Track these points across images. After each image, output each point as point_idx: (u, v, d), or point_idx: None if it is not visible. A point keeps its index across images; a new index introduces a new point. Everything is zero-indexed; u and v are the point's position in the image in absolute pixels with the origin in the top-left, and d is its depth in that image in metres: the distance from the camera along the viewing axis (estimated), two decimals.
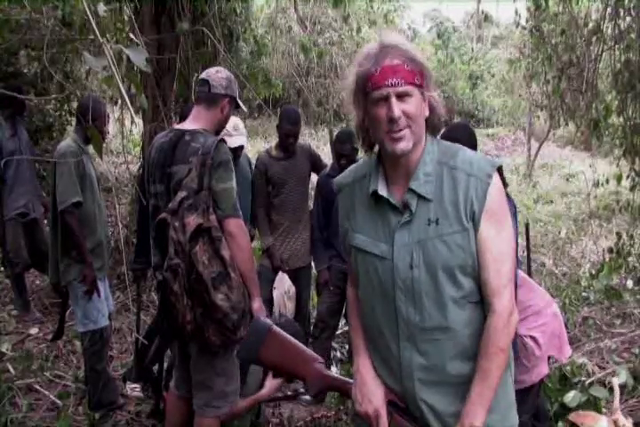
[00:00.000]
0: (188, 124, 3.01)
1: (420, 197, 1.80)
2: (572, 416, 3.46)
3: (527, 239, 4.50)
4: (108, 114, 4.05)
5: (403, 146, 1.76)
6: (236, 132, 4.21)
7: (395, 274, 1.81)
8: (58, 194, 3.71)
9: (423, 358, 1.83)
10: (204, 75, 3.07)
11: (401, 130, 1.74)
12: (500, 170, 1.83)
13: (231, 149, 4.00)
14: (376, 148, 1.92)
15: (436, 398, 1.85)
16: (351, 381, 2.07)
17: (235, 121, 4.25)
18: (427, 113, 1.81)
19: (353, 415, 2.13)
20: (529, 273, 4.05)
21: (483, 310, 1.83)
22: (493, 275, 1.78)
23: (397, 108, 1.72)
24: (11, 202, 5.39)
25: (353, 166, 2.06)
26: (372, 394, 1.94)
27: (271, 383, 3.46)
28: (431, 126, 1.85)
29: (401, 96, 1.73)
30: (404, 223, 1.81)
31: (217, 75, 3.04)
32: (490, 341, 1.78)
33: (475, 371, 1.79)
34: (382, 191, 1.85)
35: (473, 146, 3.04)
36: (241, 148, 4.29)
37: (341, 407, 4.15)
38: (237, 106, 3.16)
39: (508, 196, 2.89)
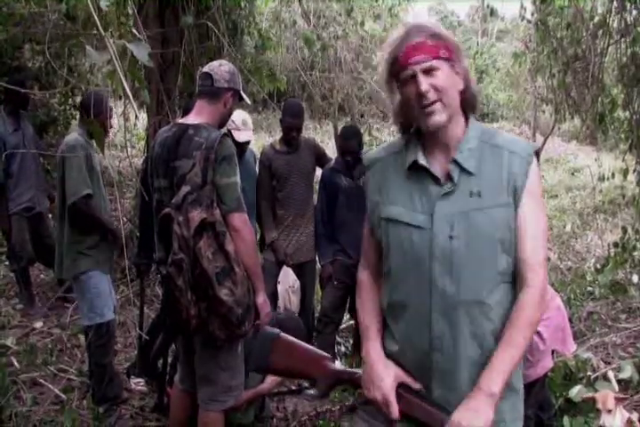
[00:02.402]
0: (191, 119, 3.00)
1: (462, 169, 1.81)
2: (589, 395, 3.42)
3: None
4: (111, 108, 4.04)
5: (436, 119, 1.77)
6: (245, 127, 4.22)
7: (433, 244, 1.80)
8: (68, 186, 3.70)
9: (455, 331, 1.81)
10: (206, 68, 3.06)
11: (432, 103, 1.76)
12: (536, 153, 1.86)
13: (238, 143, 4.02)
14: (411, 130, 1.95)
15: (462, 374, 1.83)
16: (358, 371, 2.06)
17: (244, 116, 4.26)
18: (460, 86, 1.82)
19: (360, 404, 2.11)
20: None
21: (514, 291, 1.84)
22: (531, 251, 1.80)
23: (425, 82, 1.74)
24: (16, 196, 5.39)
25: (385, 144, 2.09)
26: (380, 380, 1.91)
27: (273, 378, 3.46)
28: (466, 100, 1.86)
29: (427, 71, 1.75)
30: (446, 194, 1.81)
31: (220, 68, 3.02)
32: (523, 313, 1.78)
33: (500, 341, 1.78)
34: (422, 161, 1.86)
35: None
36: (247, 143, 4.30)
37: (346, 403, 4.15)
38: (241, 99, 3.15)
39: None
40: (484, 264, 1.79)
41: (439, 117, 1.77)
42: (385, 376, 1.91)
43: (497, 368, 1.76)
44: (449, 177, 1.82)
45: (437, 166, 1.85)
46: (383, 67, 1.84)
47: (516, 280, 1.84)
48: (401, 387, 1.90)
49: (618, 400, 3.17)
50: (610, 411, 3.11)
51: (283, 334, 2.33)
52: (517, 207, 1.79)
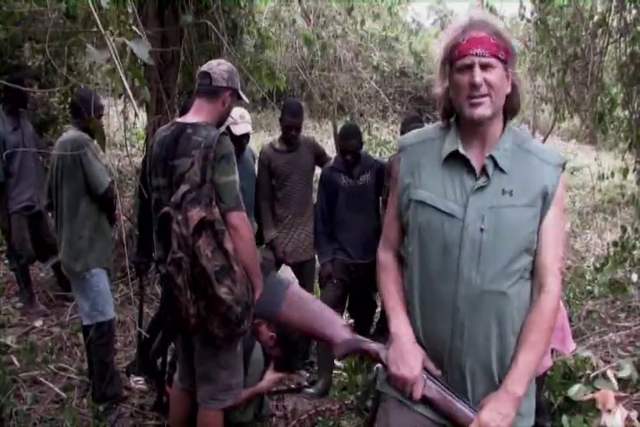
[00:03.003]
0: (189, 118, 3.00)
1: (496, 166, 1.87)
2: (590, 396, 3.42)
3: None
4: (102, 106, 4.03)
5: (481, 111, 1.82)
6: (242, 120, 4.20)
7: (464, 234, 1.85)
8: (94, 179, 3.73)
9: (477, 320, 1.86)
10: (205, 67, 3.05)
11: (482, 96, 1.81)
12: (563, 165, 1.93)
13: (237, 136, 4.00)
14: (452, 118, 1.99)
15: (480, 363, 1.88)
16: (381, 345, 2.06)
17: (241, 110, 4.24)
18: (508, 89, 1.87)
19: (384, 385, 2.04)
20: None
21: (529, 288, 1.91)
22: (552, 257, 1.89)
23: (480, 75, 1.79)
24: (16, 195, 5.40)
25: (419, 130, 2.14)
26: (412, 358, 1.93)
27: (271, 376, 3.46)
28: (510, 105, 1.92)
29: (484, 66, 1.80)
30: (480, 188, 1.87)
31: (218, 67, 3.02)
32: (542, 318, 1.86)
33: (520, 344, 1.87)
34: (463, 152, 1.90)
35: None
36: (247, 136, 4.26)
37: (346, 402, 4.15)
38: (239, 98, 3.14)
39: None
40: (508, 259, 1.85)
41: (485, 110, 1.82)
42: (417, 355, 1.94)
43: (522, 371, 1.84)
44: (484, 171, 1.87)
45: (474, 159, 1.90)
46: (441, 50, 1.88)
47: (532, 279, 1.92)
48: (423, 370, 1.93)
49: (617, 399, 3.17)
50: (610, 411, 3.11)
51: (295, 284, 2.23)
52: (544, 214, 1.86)
